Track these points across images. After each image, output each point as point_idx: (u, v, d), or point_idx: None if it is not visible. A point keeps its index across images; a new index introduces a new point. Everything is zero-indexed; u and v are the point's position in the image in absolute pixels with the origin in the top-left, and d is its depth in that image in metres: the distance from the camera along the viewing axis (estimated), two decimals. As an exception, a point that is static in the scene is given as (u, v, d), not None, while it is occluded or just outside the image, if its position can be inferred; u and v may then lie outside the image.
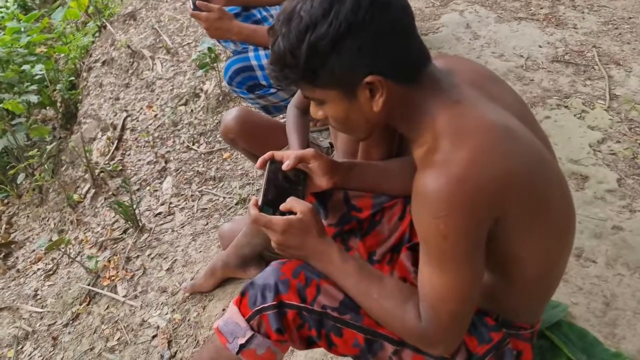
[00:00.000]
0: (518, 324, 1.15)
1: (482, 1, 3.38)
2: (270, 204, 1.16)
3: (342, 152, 1.58)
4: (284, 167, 1.21)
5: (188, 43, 3.55)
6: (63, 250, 2.33)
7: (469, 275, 0.97)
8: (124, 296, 2.02)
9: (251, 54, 2.09)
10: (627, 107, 2.42)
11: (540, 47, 2.88)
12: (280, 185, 1.21)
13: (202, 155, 2.61)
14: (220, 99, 2.85)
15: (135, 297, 1.99)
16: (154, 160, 2.72)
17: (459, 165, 0.91)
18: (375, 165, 1.38)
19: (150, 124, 2.98)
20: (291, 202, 1.13)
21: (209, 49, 2.69)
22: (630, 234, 1.75)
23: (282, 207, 1.13)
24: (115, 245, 2.29)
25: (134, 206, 2.24)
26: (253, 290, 1.13)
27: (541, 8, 3.31)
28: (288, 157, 1.25)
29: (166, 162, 2.67)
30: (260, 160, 1.25)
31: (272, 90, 2.14)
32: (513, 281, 1.08)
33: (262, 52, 2.09)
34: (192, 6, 2.10)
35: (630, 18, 3.18)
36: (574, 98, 2.46)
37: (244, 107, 1.78)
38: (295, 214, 1.11)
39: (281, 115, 2.36)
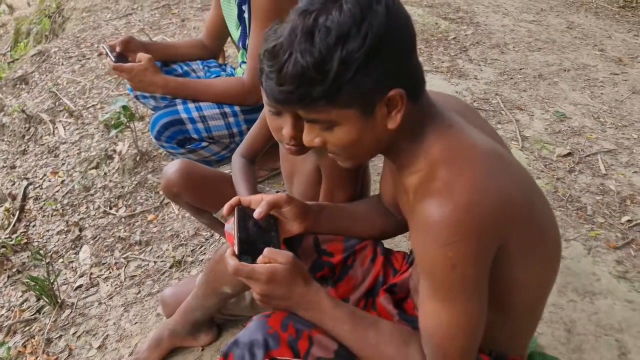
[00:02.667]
0: (511, 357, 1.13)
1: (389, 57, 3.54)
2: (246, 252, 1.06)
3: (299, 198, 1.51)
4: (256, 215, 1.12)
5: (93, 105, 3.35)
6: (-39, 340, 1.99)
7: (477, 307, 0.94)
8: (46, 385, 1.74)
9: (180, 107, 1.99)
10: (538, 147, 2.59)
11: (450, 96, 3.04)
12: (253, 233, 1.12)
13: (123, 219, 2.40)
14: (138, 158, 2.67)
15: (61, 384, 1.73)
16: (66, 229, 2.47)
17: (463, 192, 0.89)
18: (343, 207, 1.33)
19: (57, 191, 2.72)
20: (270, 254, 1.03)
21: (124, 107, 2.53)
22: (572, 261, 1.82)
23: (260, 260, 1.03)
24: (27, 328, 2.00)
25: (52, 279, 1.98)
26: (238, 349, 1.01)
27: (442, 62, 3.53)
28: (256, 202, 1.16)
29: (81, 230, 2.43)
30: (226, 206, 1.16)
31: (204, 144, 2.04)
32: (508, 311, 1.05)
33: (191, 105, 2.00)
34: (113, 59, 1.98)
35: (521, 69, 3.48)
36: (491, 140, 2.59)
37: (185, 160, 1.66)
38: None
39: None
